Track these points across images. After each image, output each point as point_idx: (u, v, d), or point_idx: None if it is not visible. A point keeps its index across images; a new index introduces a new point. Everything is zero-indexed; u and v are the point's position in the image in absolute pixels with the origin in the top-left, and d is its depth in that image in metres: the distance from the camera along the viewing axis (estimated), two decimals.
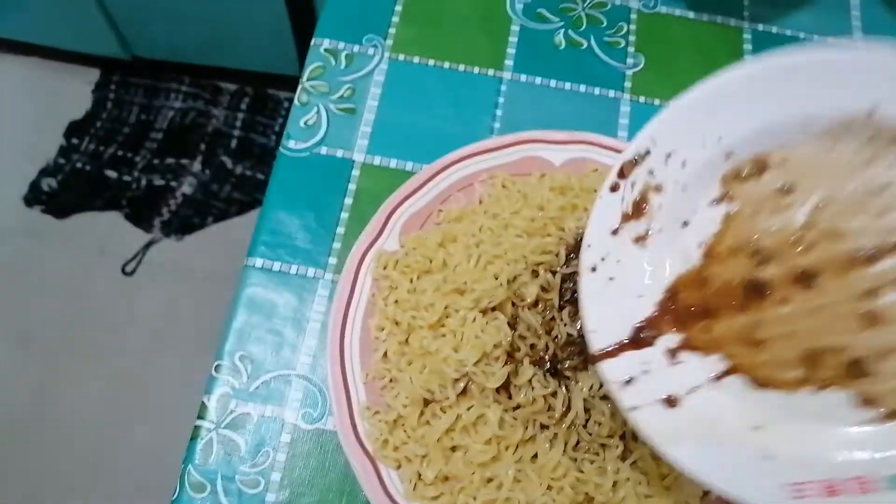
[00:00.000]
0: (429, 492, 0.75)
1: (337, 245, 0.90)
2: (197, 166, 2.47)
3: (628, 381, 0.56)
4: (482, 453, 0.75)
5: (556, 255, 0.82)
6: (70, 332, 2.19)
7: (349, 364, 0.80)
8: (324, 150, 0.95)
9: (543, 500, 0.74)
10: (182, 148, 2.51)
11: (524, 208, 0.87)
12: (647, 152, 0.59)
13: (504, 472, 0.74)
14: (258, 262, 0.89)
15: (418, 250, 0.85)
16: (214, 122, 2.56)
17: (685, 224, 0.59)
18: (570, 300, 0.82)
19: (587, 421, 0.77)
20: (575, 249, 0.84)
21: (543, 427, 0.77)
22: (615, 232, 0.60)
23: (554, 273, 0.81)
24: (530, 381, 0.76)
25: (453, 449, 0.77)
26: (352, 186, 0.93)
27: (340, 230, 0.91)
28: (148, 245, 2.35)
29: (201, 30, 2.24)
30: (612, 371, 0.56)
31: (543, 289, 0.81)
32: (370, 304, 0.84)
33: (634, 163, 0.58)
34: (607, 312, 0.57)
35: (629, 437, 0.77)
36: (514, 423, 0.76)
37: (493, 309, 0.79)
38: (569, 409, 0.76)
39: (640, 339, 0.56)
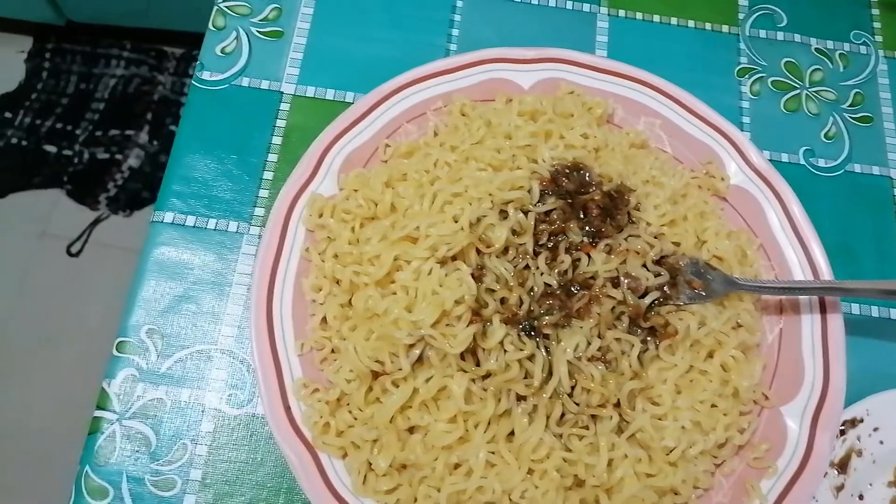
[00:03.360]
0: (382, 484, 0.61)
1: (264, 193, 0.75)
2: (143, 137, 2.29)
3: None
4: (446, 434, 0.61)
5: (529, 192, 0.68)
6: (12, 320, 2.03)
7: (280, 333, 0.65)
8: (245, 82, 0.79)
9: (524, 488, 0.60)
10: (126, 118, 2.33)
11: (488, 138, 0.72)
12: (862, 420, 0.69)
13: (474, 455, 0.60)
14: (168, 216, 0.73)
15: (361, 192, 0.69)
16: (161, 89, 2.37)
17: (861, 497, 0.68)
18: (547, 244, 0.67)
19: (573, 388, 0.63)
20: (552, 183, 0.69)
21: (520, 398, 0.63)
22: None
23: (527, 213, 0.67)
24: (502, 343, 0.62)
25: (410, 430, 0.63)
26: (280, 123, 0.78)
27: (268, 175, 0.75)
28: (94, 223, 2.18)
29: None
30: None
31: (514, 232, 0.66)
32: (304, 261, 0.69)
33: (853, 423, 0.69)
34: None
35: (625, 405, 0.63)
36: (484, 395, 0.62)
37: (454, 258, 0.65)
38: (550, 375, 0.62)
39: None
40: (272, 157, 0.76)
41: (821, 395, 0.68)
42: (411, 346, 0.61)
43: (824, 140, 0.85)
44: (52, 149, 2.32)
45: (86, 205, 2.27)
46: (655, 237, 0.69)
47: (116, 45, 2.47)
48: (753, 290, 0.69)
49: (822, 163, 0.83)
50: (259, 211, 0.74)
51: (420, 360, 0.62)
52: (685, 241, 0.70)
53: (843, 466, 0.67)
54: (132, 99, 2.43)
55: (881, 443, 0.69)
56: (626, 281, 0.66)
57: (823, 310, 0.71)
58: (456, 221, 0.65)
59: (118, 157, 2.32)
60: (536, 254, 0.67)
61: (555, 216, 0.68)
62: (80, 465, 0.63)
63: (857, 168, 0.84)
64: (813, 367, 0.69)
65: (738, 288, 0.69)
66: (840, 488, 0.67)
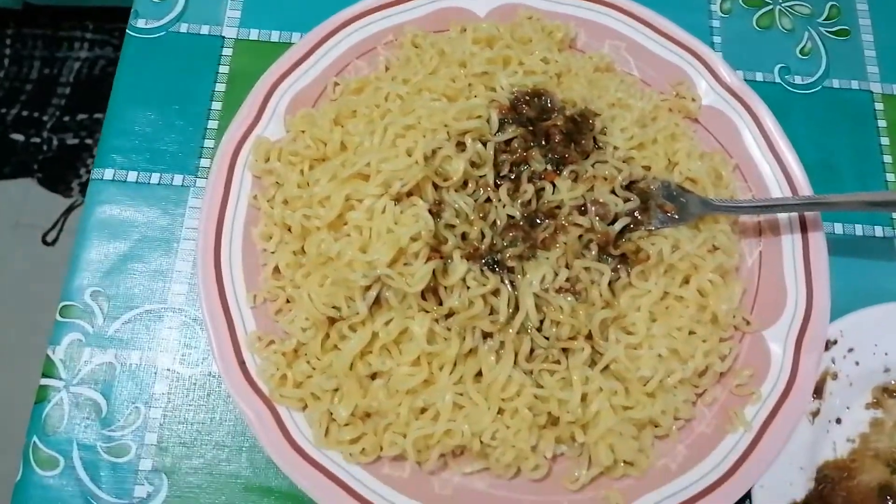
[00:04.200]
0: (345, 434, 0.58)
1: (209, 143, 0.71)
2: None
3: None
4: (410, 377, 0.57)
5: (487, 121, 0.64)
6: None
7: (230, 286, 0.62)
8: (184, 28, 0.75)
9: (494, 429, 0.57)
10: (94, 101, 2.27)
11: (442, 67, 0.68)
12: (836, 342, 0.65)
13: (440, 398, 0.57)
14: (108, 173, 0.69)
15: (308, 133, 0.65)
16: None
17: (839, 421, 0.65)
18: (509, 174, 0.63)
19: (541, 322, 0.59)
20: (511, 111, 0.65)
21: (486, 336, 0.59)
22: None
23: (485, 143, 0.63)
24: (464, 279, 0.58)
25: (372, 377, 0.59)
26: (223, 69, 0.73)
27: (212, 124, 0.71)
28: (68, 210, 2.13)
29: None
30: None
31: (473, 164, 0.62)
32: (252, 209, 0.65)
33: (827, 346, 0.65)
34: (776, 473, 0.61)
35: (597, 336, 0.60)
36: (448, 334, 0.58)
37: (409, 194, 0.61)
38: (517, 309, 0.59)
39: None
40: (216, 105, 0.72)
41: (804, 316, 0.65)
42: (367, 288, 0.58)
43: (800, 56, 0.81)
44: (19, 137, 2.26)
45: (58, 192, 2.22)
46: (624, 161, 0.65)
47: (78, 27, 2.39)
48: (729, 211, 0.65)
49: (798, 80, 0.79)
50: (205, 162, 0.70)
51: (378, 302, 0.58)
52: (656, 165, 0.67)
53: (818, 391, 0.64)
54: (98, 81, 2.36)
55: (857, 364, 0.66)
56: (593, 208, 0.62)
57: (804, 228, 0.67)
58: (409, 155, 0.61)
59: (88, 141, 2.26)
60: (498, 185, 0.63)
61: (516, 145, 0.64)
62: (28, 437, 0.60)
63: (836, 83, 0.80)
64: (795, 289, 0.65)
65: (713, 209, 0.65)
66: (816, 414, 0.64)
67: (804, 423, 0.63)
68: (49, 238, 2.18)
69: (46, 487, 0.58)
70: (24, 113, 2.34)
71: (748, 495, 0.60)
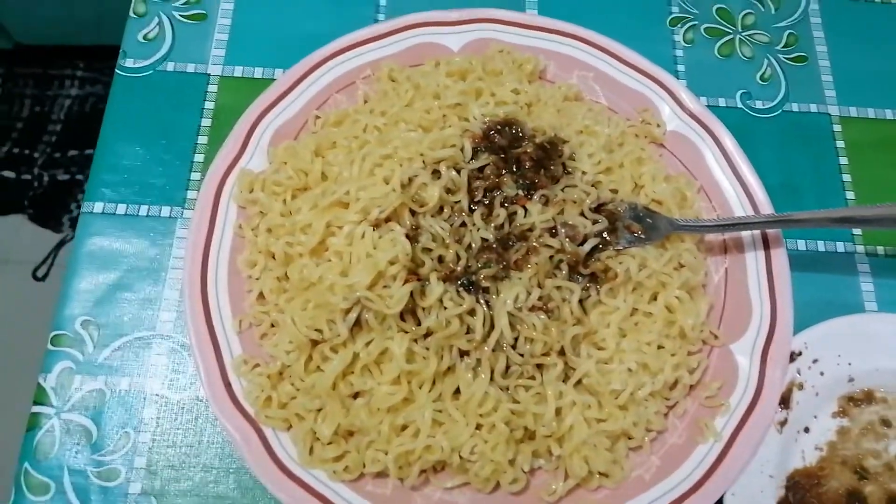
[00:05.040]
0: (329, 452, 0.60)
1: (196, 176, 0.73)
2: None
3: None
4: (390, 396, 0.60)
5: (462, 150, 0.67)
6: None
7: (216, 311, 0.64)
8: (170, 66, 0.78)
9: (472, 444, 0.59)
10: (85, 137, 2.30)
11: (417, 100, 0.72)
12: (800, 353, 0.68)
13: (420, 415, 0.59)
14: (97, 206, 0.71)
15: (290, 164, 0.68)
16: None
17: (807, 430, 0.68)
18: (483, 200, 0.66)
19: (516, 340, 0.62)
20: (484, 140, 0.68)
21: (463, 354, 0.62)
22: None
23: (459, 170, 0.66)
24: (441, 300, 0.61)
25: (354, 397, 0.61)
26: (209, 105, 0.76)
27: (198, 158, 0.74)
28: (59, 245, 2.14)
29: (88, 5, 2.02)
30: None
31: (448, 190, 0.65)
32: (237, 238, 0.68)
33: (792, 357, 0.67)
34: (747, 482, 0.63)
35: (569, 352, 0.62)
36: (426, 353, 0.61)
37: (387, 220, 0.64)
38: (492, 327, 0.62)
39: None
40: (202, 140, 0.75)
41: (769, 329, 0.67)
42: (348, 310, 0.60)
43: (760, 82, 0.85)
44: (10, 174, 2.28)
45: (49, 227, 2.23)
46: (592, 185, 0.68)
47: (69, 66, 2.43)
48: (694, 230, 0.69)
49: (759, 104, 0.83)
50: (192, 194, 0.72)
51: (358, 324, 0.61)
52: (622, 188, 0.70)
53: (785, 401, 0.66)
54: (89, 118, 2.39)
55: (822, 374, 0.68)
56: (563, 230, 0.65)
57: (767, 246, 0.70)
58: (387, 183, 0.64)
59: (79, 177, 2.28)
60: (472, 210, 0.66)
61: (488, 171, 0.67)
62: (19, 463, 0.62)
63: (795, 107, 0.84)
64: (760, 304, 0.68)
65: (678, 228, 0.68)
66: (784, 423, 0.66)
67: (773, 433, 0.65)
68: (39, 273, 2.19)
69: None
70: (16, 150, 2.36)
71: (720, 502, 0.62)
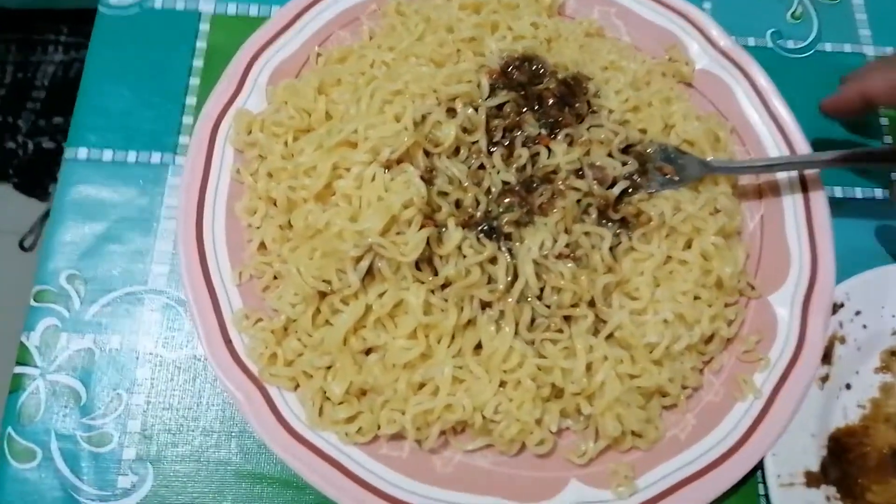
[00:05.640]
0: (340, 412, 0.55)
1: (188, 120, 0.68)
2: None
3: None
4: (406, 351, 0.55)
5: (479, 86, 0.61)
6: None
7: (213, 263, 0.59)
8: (158, 3, 0.72)
9: (497, 402, 0.54)
10: (70, 104, 2.21)
11: (428, 34, 0.66)
12: (842, 305, 0.63)
13: (439, 372, 0.55)
14: (81, 152, 0.66)
15: (291, 103, 0.62)
16: None
17: (848, 387, 0.63)
18: (502, 140, 0.61)
19: (542, 290, 0.57)
20: (502, 76, 0.63)
21: (485, 305, 0.57)
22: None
23: (476, 108, 0.60)
24: (460, 247, 0.56)
25: (367, 352, 0.56)
26: (200, 44, 0.70)
27: (190, 101, 0.68)
28: (46, 215, 2.08)
29: None
30: (784, 501, 0.58)
31: (465, 130, 0.60)
32: (235, 184, 0.62)
33: (834, 309, 0.62)
34: (788, 441, 0.59)
35: (600, 303, 0.57)
36: (445, 305, 0.55)
37: (399, 161, 0.58)
38: (515, 277, 0.56)
39: (807, 481, 0.59)
40: (193, 81, 0.69)
41: (809, 279, 0.63)
42: (359, 258, 0.55)
43: (791, 20, 0.79)
44: None
45: (35, 196, 2.16)
46: (620, 125, 0.63)
47: (53, 31, 2.33)
48: (728, 171, 0.64)
49: (790, 44, 0.78)
50: (184, 139, 0.67)
51: (370, 274, 0.56)
52: (652, 128, 0.65)
53: (826, 356, 0.62)
54: (74, 84, 2.30)
55: (864, 327, 0.64)
56: (590, 172, 0.60)
57: (805, 190, 0.65)
58: (398, 121, 0.58)
59: (64, 144, 2.20)
60: (491, 152, 0.60)
61: (508, 109, 0.62)
62: (2, 427, 0.57)
63: (828, 47, 0.78)
64: (799, 251, 0.64)
65: (712, 170, 0.63)
66: (825, 379, 0.62)
67: (814, 390, 0.61)
68: (27, 243, 2.12)
69: (23, 481, 0.55)
70: None
71: (761, 464, 0.58)
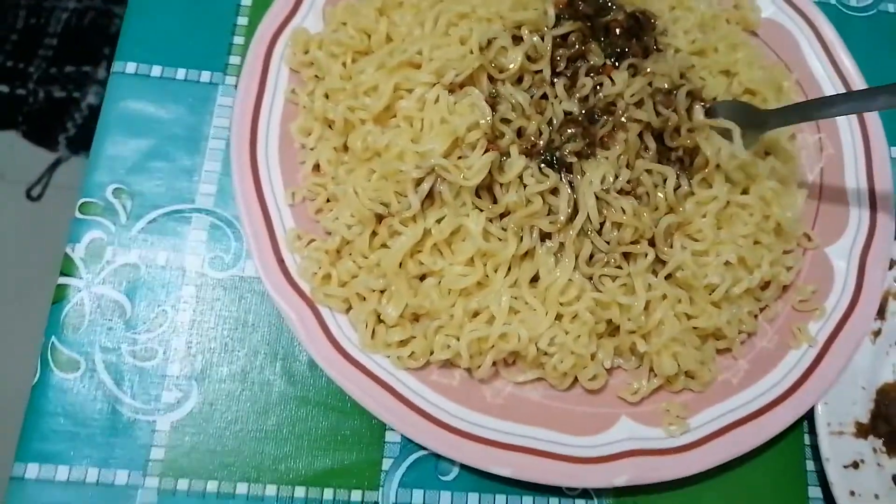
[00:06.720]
0: (394, 335, 0.54)
1: (238, 40, 0.66)
2: (102, 73, 2.15)
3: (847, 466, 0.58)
4: (463, 277, 0.54)
5: (545, 13, 0.59)
6: None
7: (267, 184, 0.57)
8: None
9: (552, 334, 0.53)
10: (83, 53, 2.18)
11: None
12: None
13: (495, 301, 0.53)
14: (130, 66, 0.64)
15: (351, 24, 0.61)
16: (118, 21, 2.23)
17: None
18: (565, 71, 0.59)
19: (602, 224, 0.55)
20: (568, 7, 0.61)
21: (545, 237, 0.55)
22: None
23: (542, 37, 0.59)
24: (521, 176, 0.54)
25: (423, 277, 0.55)
26: None
27: (242, 20, 0.66)
28: (54, 165, 2.05)
29: None
30: (832, 449, 0.57)
31: (529, 58, 0.58)
32: (289, 105, 0.60)
33: (890, 265, 0.62)
34: (839, 392, 0.59)
35: (661, 242, 0.56)
36: (504, 234, 0.54)
37: (462, 86, 0.56)
38: (576, 210, 0.55)
39: (856, 431, 0.59)
40: (245, 1, 0.67)
41: (868, 233, 0.62)
42: (420, 181, 0.54)
43: None
44: (3, 88, 2.17)
45: (44, 146, 2.13)
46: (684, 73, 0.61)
47: None
48: (787, 115, 0.62)
49: (854, 2, 0.76)
50: (234, 59, 0.65)
51: (430, 198, 0.54)
52: (714, 76, 0.63)
53: (880, 311, 0.61)
54: (87, 33, 2.27)
55: None
56: (652, 101, 0.58)
57: (867, 146, 0.64)
58: (463, 44, 0.57)
59: (76, 94, 2.17)
60: (554, 81, 0.59)
61: (573, 39, 0.60)
62: (45, 337, 0.55)
63: (891, 7, 0.77)
64: (858, 205, 0.63)
65: (772, 115, 0.61)
66: (877, 334, 0.61)
67: (866, 343, 0.60)
68: (34, 193, 2.10)
69: (66, 390, 0.54)
70: (10, 63, 2.25)
71: (809, 413, 0.57)
